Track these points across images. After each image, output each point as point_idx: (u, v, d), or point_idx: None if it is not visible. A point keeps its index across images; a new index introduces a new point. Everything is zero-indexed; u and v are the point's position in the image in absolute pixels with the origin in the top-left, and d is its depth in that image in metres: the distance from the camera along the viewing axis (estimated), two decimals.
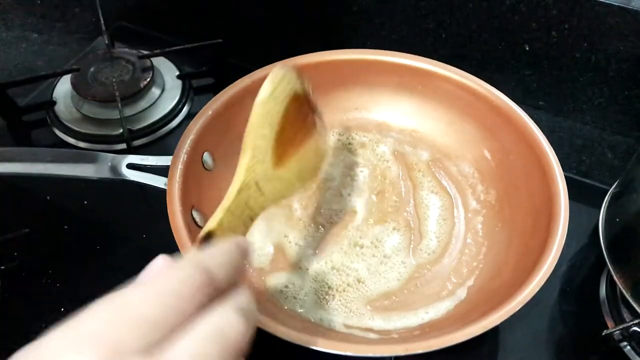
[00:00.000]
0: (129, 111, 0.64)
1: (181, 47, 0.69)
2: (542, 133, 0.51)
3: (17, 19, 0.80)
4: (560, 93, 0.66)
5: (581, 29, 0.59)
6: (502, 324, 0.41)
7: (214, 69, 0.70)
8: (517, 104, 0.54)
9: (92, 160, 0.51)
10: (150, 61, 0.67)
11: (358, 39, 0.71)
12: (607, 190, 0.55)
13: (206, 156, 0.52)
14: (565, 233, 0.45)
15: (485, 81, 0.56)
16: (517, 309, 0.41)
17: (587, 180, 0.62)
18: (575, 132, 0.66)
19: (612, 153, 0.65)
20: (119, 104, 0.62)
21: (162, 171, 0.50)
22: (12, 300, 0.51)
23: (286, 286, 0.50)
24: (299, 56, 0.58)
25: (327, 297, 0.49)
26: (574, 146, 0.65)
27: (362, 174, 0.58)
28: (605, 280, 0.53)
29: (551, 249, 0.44)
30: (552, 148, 0.50)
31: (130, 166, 0.50)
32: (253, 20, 0.74)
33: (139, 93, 0.65)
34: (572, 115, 0.67)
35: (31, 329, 0.49)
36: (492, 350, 0.50)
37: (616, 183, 0.55)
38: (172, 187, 0.47)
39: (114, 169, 0.50)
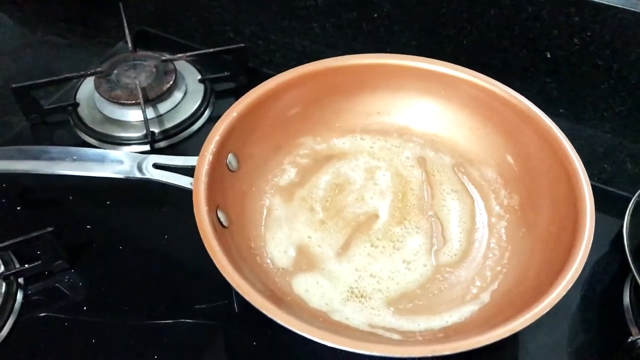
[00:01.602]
0: (150, 114, 0.65)
1: (203, 51, 0.70)
2: (566, 138, 0.51)
3: (40, 23, 0.82)
4: (581, 101, 0.66)
5: (603, 36, 0.60)
6: (522, 331, 0.40)
7: (235, 74, 0.71)
8: None
9: (117, 159, 0.52)
10: (173, 64, 0.68)
11: (378, 46, 0.72)
12: (628, 198, 0.55)
13: (231, 157, 0.53)
14: (592, 238, 0.45)
15: None
16: (544, 313, 0.40)
17: (608, 188, 0.61)
18: (596, 140, 0.66)
19: (633, 161, 0.64)
20: (143, 106, 0.62)
21: (188, 171, 0.50)
22: (35, 299, 0.51)
23: (311, 286, 0.50)
24: (320, 60, 0.58)
25: (351, 297, 0.49)
26: (595, 154, 0.65)
27: (385, 177, 0.58)
28: (629, 287, 0.52)
29: (577, 253, 0.44)
30: (576, 153, 0.50)
31: (156, 166, 0.51)
32: (274, 25, 0.75)
33: (162, 96, 0.66)
34: (593, 123, 0.67)
35: (54, 328, 0.50)
36: (512, 359, 0.50)
37: None
38: (199, 186, 0.47)
39: (140, 168, 0.51)
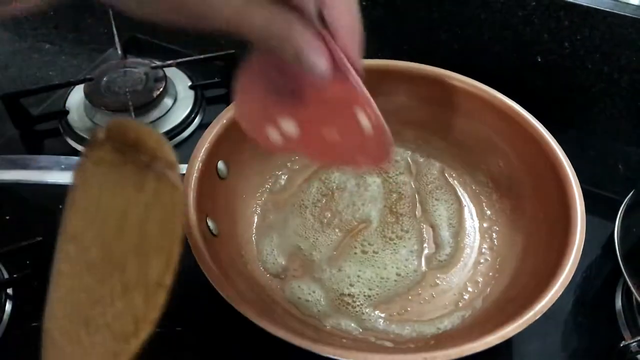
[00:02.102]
0: (140, 121, 0.64)
1: (194, 57, 0.70)
2: (556, 142, 0.51)
3: (30, 29, 0.81)
4: (571, 104, 0.66)
5: (593, 40, 0.60)
6: (516, 336, 0.40)
7: (226, 80, 0.70)
8: None
9: None
10: (163, 71, 0.68)
11: (369, 50, 0.71)
12: (620, 201, 0.55)
13: (220, 165, 0.52)
14: (583, 243, 0.45)
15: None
16: (537, 318, 0.40)
17: (599, 191, 0.61)
18: (587, 143, 0.66)
19: (625, 164, 0.64)
20: (132, 113, 0.62)
21: None
22: (24, 309, 0.51)
23: (303, 293, 0.49)
24: None
25: (342, 304, 0.49)
26: (586, 157, 0.65)
27: (375, 183, 0.58)
28: (621, 291, 0.52)
29: (569, 258, 0.44)
30: (567, 158, 0.50)
31: None
32: None
33: (152, 103, 0.65)
34: (584, 127, 0.67)
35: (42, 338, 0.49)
36: None
37: (631, 193, 0.54)
38: (187, 194, 0.47)
39: None
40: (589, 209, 0.47)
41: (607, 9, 0.57)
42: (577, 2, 0.58)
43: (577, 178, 0.49)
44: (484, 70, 0.66)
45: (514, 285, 0.49)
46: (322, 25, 0.31)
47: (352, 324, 0.47)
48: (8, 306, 0.50)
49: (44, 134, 0.66)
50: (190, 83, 0.70)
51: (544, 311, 0.41)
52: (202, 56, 0.69)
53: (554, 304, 0.41)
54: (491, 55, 0.66)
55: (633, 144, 0.66)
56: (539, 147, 0.52)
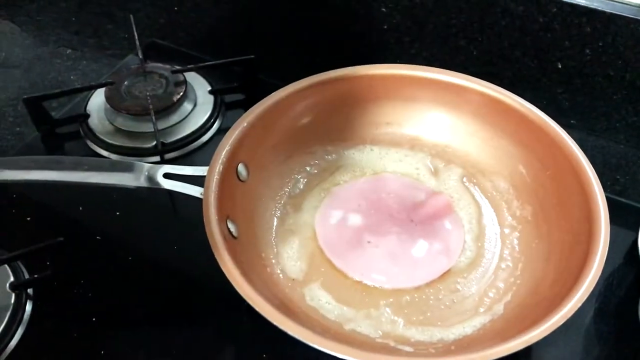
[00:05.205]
0: (161, 124, 0.65)
1: (213, 62, 0.70)
2: (579, 148, 0.51)
3: (52, 35, 0.82)
4: (593, 111, 0.66)
5: (616, 46, 0.59)
6: (536, 343, 0.40)
7: (245, 85, 0.71)
8: None
9: (128, 169, 0.51)
10: (184, 76, 0.68)
11: (388, 57, 0.72)
12: None
13: (241, 167, 0.52)
14: (607, 249, 0.44)
15: None
16: (559, 325, 0.40)
17: (621, 199, 0.61)
18: (609, 151, 0.66)
19: None
20: (153, 117, 0.62)
21: (198, 181, 0.50)
22: (44, 309, 0.51)
23: (322, 296, 0.49)
24: (330, 71, 0.58)
25: (362, 308, 0.49)
26: (608, 165, 0.64)
27: None
28: None
29: (592, 265, 0.43)
30: (589, 163, 0.50)
31: (167, 175, 0.50)
32: (284, 37, 0.75)
33: (172, 107, 0.66)
34: (606, 134, 0.66)
35: (62, 338, 0.50)
36: None
37: None
38: (209, 196, 0.47)
39: (150, 178, 0.51)
40: (610, 217, 0.47)
41: (631, 16, 0.57)
42: (599, 8, 0.58)
43: (600, 183, 0.48)
44: (503, 76, 0.66)
45: (535, 291, 0.48)
46: None
47: (373, 328, 0.47)
48: (28, 306, 0.51)
49: (65, 137, 0.67)
50: (209, 88, 0.70)
51: (567, 318, 0.40)
52: (221, 61, 0.70)
53: (576, 312, 0.41)
54: (511, 62, 0.65)
55: None
56: (561, 153, 0.51)
